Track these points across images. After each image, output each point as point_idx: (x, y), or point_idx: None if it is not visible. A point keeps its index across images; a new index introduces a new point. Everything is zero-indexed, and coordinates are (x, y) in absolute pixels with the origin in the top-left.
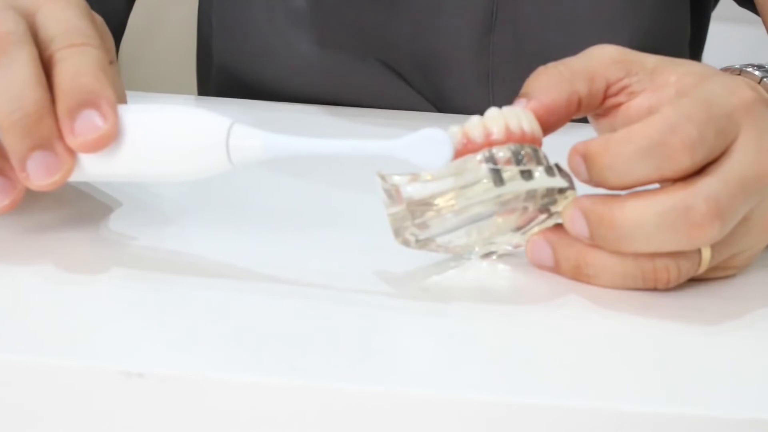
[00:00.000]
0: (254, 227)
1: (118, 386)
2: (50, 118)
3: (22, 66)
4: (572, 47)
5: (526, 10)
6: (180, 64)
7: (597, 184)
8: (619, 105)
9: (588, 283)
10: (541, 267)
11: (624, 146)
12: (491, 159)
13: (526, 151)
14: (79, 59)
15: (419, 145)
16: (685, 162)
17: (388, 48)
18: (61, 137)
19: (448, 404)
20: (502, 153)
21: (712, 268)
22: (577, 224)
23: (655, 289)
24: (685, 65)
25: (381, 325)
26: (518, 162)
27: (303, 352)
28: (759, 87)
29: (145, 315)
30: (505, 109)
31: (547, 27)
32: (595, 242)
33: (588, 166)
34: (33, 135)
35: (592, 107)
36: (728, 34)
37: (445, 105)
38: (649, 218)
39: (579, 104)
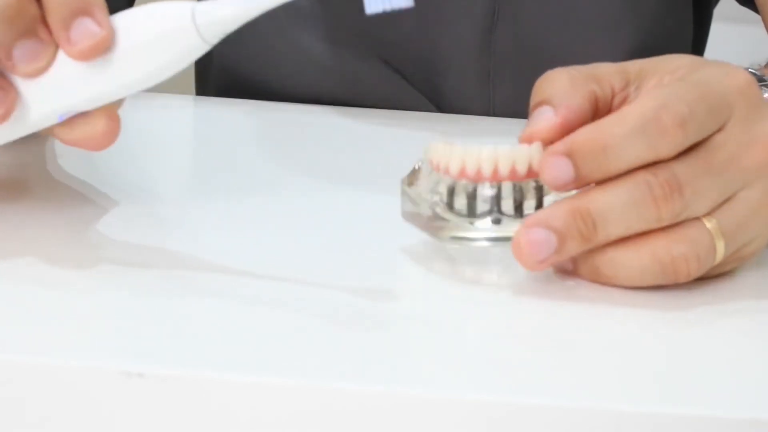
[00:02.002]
0: (254, 227)
1: (118, 386)
2: (33, 6)
3: None
4: (574, 46)
5: (527, 9)
6: None
7: (585, 178)
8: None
9: (608, 284)
10: (560, 271)
11: (618, 127)
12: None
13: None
14: None
15: None
16: (678, 137)
17: (390, 46)
18: (43, 24)
19: (448, 404)
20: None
21: (723, 262)
22: (541, 239)
23: (675, 284)
24: (679, 58)
25: (381, 325)
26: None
27: (303, 352)
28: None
29: (145, 315)
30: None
31: (548, 26)
32: (566, 248)
33: (579, 159)
34: (18, 23)
35: (602, 114)
36: (728, 34)
37: (445, 104)
38: (615, 198)
39: (597, 106)
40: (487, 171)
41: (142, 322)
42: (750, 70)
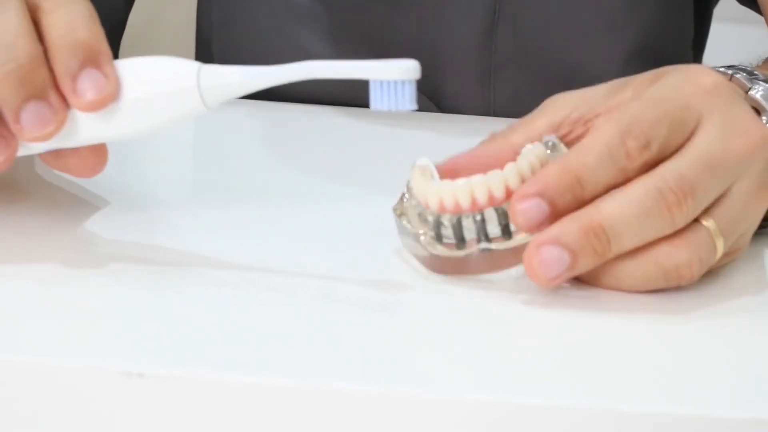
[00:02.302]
0: (254, 227)
1: (118, 386)
2: (44, 68)
3: (13, 15)
4: (574, 46)
5: (528, 9)
6: None
7: (562, 212)
8: (580, 136)
9: (611, 288)
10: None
11: (586, 156)
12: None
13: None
14: (68, 11)
15: (386, 62)
16: (645, 156)
17: (390, 46)
18: (54, 87)
19: (448, 404)
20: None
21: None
22: (553, 258)
23: (678, 287)
24: (642, 75)
25: (381, 325)
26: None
27: (303, 352)
28: (722, 75)
29: (145, 315)
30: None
31: (548, 26)
32: (579, 265)
33: (554, 195)
34: (27, 86)
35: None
36: (728, 34)
37: (445, 104)
38: (628, 210)
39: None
40: (465, 203)
41: (142, 322)
42: (741, 66)
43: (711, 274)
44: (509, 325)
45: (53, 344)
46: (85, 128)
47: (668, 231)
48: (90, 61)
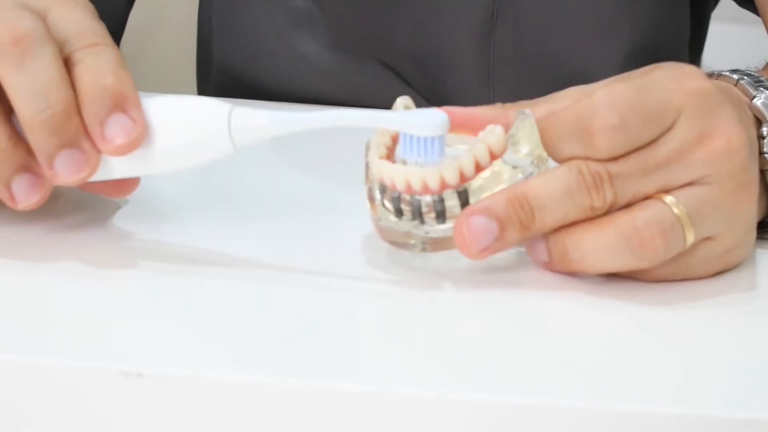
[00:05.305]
0: (254, 227)
1: (118, 386)
2: (77, 117)
3: (47, 65)
4: (573, 47)
5: (527, 10)
6: (180, 64)
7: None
8: None
9: (578, 270)
10: (536, 261)
11: (556, 126)
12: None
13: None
14: (97, 59)
15: (417, 116)
16: (603, 146)
17: (388, 48)
18: (87, 134)
19: (448, 404)
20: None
21: (711, 258)
22: (482, 227)
23: (647, 270)
24: (639, 69)
25: (381, 325)
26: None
27: (303, 352)
28: (720, 80)
29: (144, 315)
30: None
31: (548, 27)
32: (506, 236)
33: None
34: (61, 134)
35: None
36: (728, 34)
37: (444, 105)
38: (551, 186)
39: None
40: (400, 185)
41: (141, 322)
42: (747, 71)
43: (711, 275)
44: (509, 324)
45: (53, 344)
46: (116, 168)
47: (589, 213)
48: (117, 106)
